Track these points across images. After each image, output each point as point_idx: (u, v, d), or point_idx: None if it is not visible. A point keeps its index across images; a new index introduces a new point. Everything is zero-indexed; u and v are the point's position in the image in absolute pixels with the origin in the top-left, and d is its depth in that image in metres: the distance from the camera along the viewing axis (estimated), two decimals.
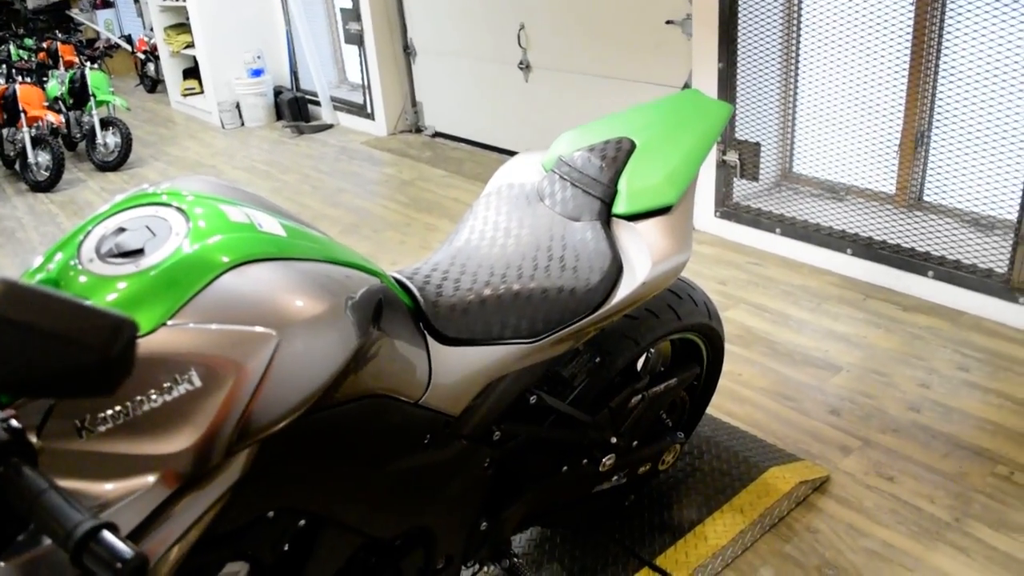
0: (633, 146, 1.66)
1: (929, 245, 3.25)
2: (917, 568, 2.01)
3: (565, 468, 1.74)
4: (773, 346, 3.04)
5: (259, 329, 1.01)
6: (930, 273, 3.21)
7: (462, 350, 1.40)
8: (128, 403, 0.96)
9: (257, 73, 7.27)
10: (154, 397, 0.96)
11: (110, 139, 6.33)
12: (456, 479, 1.47)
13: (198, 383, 0.98)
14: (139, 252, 1.05)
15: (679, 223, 1.61)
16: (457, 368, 1.39)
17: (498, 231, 1.60)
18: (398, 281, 1.44)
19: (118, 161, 6.31)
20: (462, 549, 1.57)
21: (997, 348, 2.90)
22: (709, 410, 2.64)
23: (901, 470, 2.34)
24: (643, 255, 1.55)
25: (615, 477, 1.91)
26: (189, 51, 7.90)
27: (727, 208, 3.96)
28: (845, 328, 3.11)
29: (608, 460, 1.79)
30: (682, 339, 2.02)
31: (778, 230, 3.75)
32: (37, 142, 5.94)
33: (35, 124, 5.99)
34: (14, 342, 0.74)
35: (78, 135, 6.71)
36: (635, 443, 1.90)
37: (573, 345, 1.57)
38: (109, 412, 0.95)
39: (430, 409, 1.36)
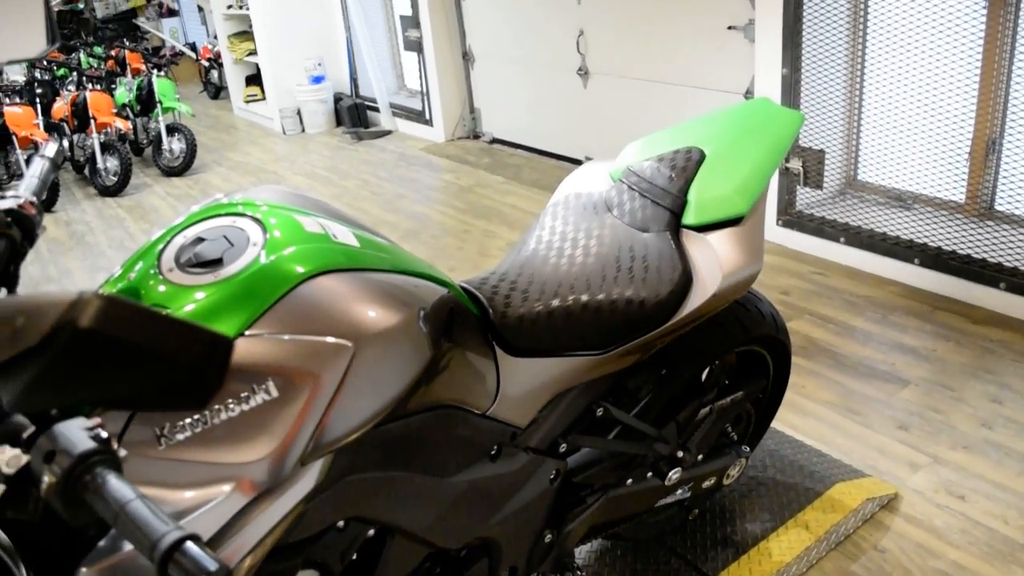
0: (703, 156, 1.64)
1: (1001, 255, 3.15)
2: None
3: (630, 481, 1.73)
4: (837, 358, 2.98)
5: (335, 340, 1.02)
6: (1002, 285, 3.12)
7: (530, 361, 1.40)
8: (206, 412, 0.98)
9: (318, 80, 7.39)
10: (232, 406, 0.98)
11: (175, 145, 6.49)
12: (522, 491, 1.47)
13: (275, 393, 0.99)
14: (218, 262, 1.07)
15: (750, 234, 1.59)
16: (525, 379, 1.39)
17: (566, 241, 1.59)
18: (466, 291, 1.45)
19: (183, 166, 6.46)
20: (526, 561, 1.57)
21: None
22: (773, 423, 2.60)
23: (973, 489, 2.28)
24: (713, 267, 1.53)
25: (679, 491, 1.89)
26: (252, 58, 8.06)
27: (790, 216, 3.90)
28: (912, 341, 3.04)
29: (674, 474, 1.77)
30: (748, 351, 1.99)
31: (842, 239, 3.68)
32: (106, 148, 6.11)
33: (104, 130, 6.17)
34: (112, 358, 0.76)
35: (145, 141, 6.90)
36: (701, 456, 1.88)
37: (641, 357, 1.56)
38: (188, 421, 0.98)
39: (497, 420, 1.36)
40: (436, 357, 1.15)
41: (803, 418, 2.66)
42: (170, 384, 0.80)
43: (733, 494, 2.27)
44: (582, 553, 2.11)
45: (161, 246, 1.12)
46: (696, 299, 1.52)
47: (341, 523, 1.19)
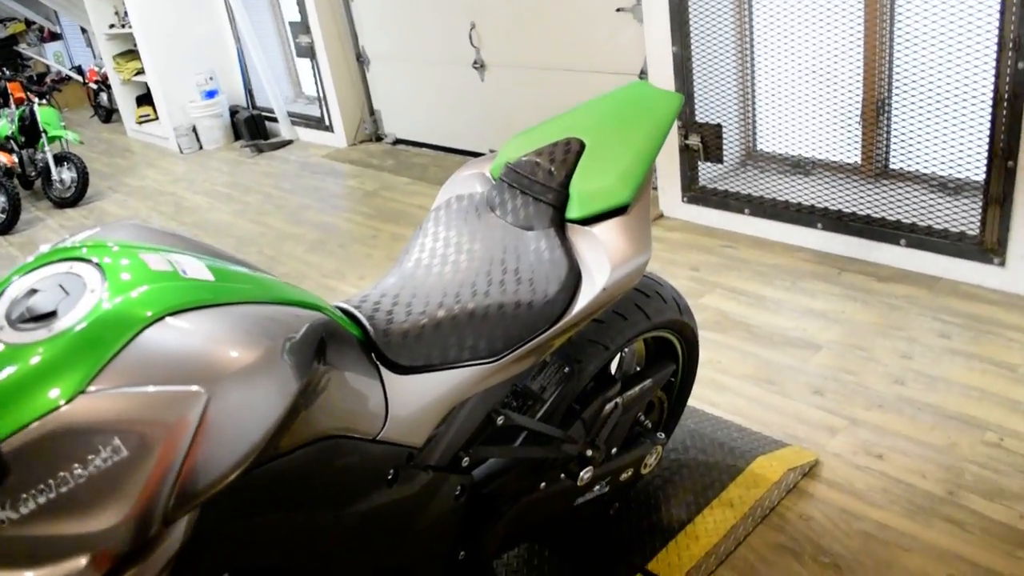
0: (583, 146, 1.58)
1: (899, 213, 3.21)
2: (914, 547, 1.96)
3: (543, 485, 1.68)
4: (751, 329, 2.99)
5: (185, 388, 0.93)
6: (902, 241, 3.17)
7: (419, 377, 1.33)
8: (50, 480, 0.88)
9: (211, 95, 7.15)
10: (78, 471, 0.89)
11: (66, 175, 6.20)
12: (426, 512, 1.40)
13: (124, 452, 0.90)
14: (51, 315, 0.97)
15: (636, 223, 1.54)
16: (415, 397, 1.32)
17: (449, 248, 1.52)
18: (345, 312, 1.37)
19: (76, 196, 6.18)
20: None
21: (976, 312, 2.86)
22: (691, 402, 2.59)
23: (890, 447, 2.30)
24: (601, 260, 1.48)
25: (597, 487, 1.85)
26: (140, 78, 7.75)
27: (694, 192, 3.91)
28: (822, 305, 3.07)
29: (586, 473, 1.72)
30: (655, 338, 1.96)
31: (747, 210, 3.70)
32: None
33: None
34: None
35: (33, 173, 6.57)
36: (614, 451, 1.84)
37: (537, 360, 1.50)
38: (32, 491, 0.88)
39: (390, 443, 1.29)
40: (306, 389, 1.07)
41: (721, 394, 2.65)
42: None
43: (656, 480, 2.24)
44: (506, 559, 2.05)
45: None
46: (587, 295, 1.47)
47: (226, 575, 1.11)
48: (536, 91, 4.89)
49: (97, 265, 1.03)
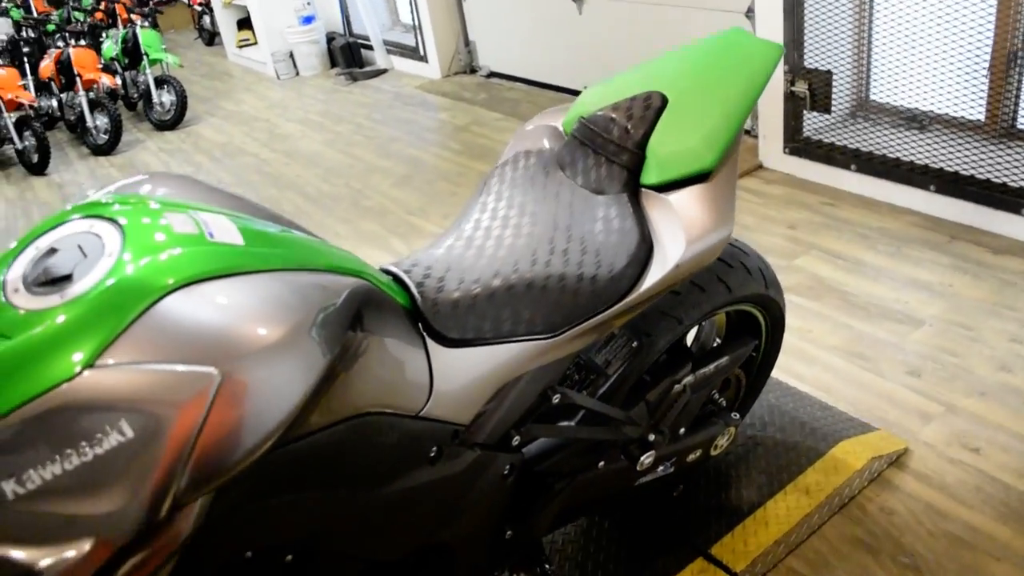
0: (665, 101, 1.42)
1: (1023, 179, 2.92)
2: (1005, 556, 1.80)
3: (602, 464, 1.58)
4: (847, 298, 2.79)
5: (194, 368, 0.87)
6: None
7: (469, 351, 1.24)
8: (56, 456, 0.84)
9: (308, 20, 7.12)
10: (85, 449, 0.84)
11: (165, 98, 6.30)
12: (471, 490, 1.33)
13: (129, 433, 0.85)
14: (67, 279, 0.91)
15: (719, 192, 1.39)
16: (463, 372, 1.23)
17: (511, 210, 1.41)
18: (394, 276, 1.28)
19: (175, 119, 6.29)
20: (486, 560, 1.44)
21: None
22: (775, 373, 2.44)
23: (989, 440, 2.11)
24: (676, 232, 1.34)
25: (661, 468, 1.75)
26: (241, 1, 7.78)
27: (797, 143, 3.67)
28: (928, 275, 2.84)
29: (647, 458, 1.62)
30: (737, 310, 1.82)
31: (853, 166, 3.44)
32: (95, 105, 5.94)
33: (91, 88, 5.99)
34: None
35: (135, 95, 6.71)
36: (682, 431, 1.72)
37: (599, 337, 1.39)
38: (38, 467, 0.84)
39: (434, 420, 1.21)
40: (335, 366, 0.99)
41: (808, 366, 2.49)
42: None
43: (728, 457, 2.12)
44: (556, 537, 1.98)
45: (12, 259, 0.97)
46: (657, 271, 1.34)
47: (248, 554, 1.06)
48: (635, 27, 4.65)
49: (117, 224, 0.97)
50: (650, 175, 1.40)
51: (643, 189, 1.41)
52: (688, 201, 1.36)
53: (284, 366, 0.92)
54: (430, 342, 1.22)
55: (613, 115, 1.42)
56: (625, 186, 1.39)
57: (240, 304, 0.93)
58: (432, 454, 1.24)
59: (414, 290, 1.24)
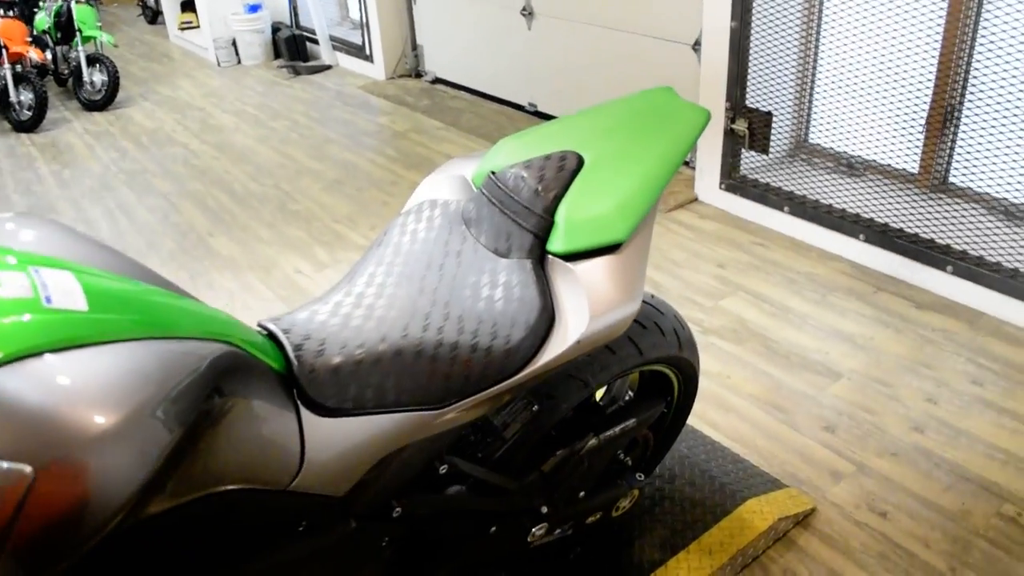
0: (580, 163, 1.33)
1: (951, 236, 2.93)
2: None
3: (493, 529, 1.50)
4: (769, 344, 2.77)
5: (5, 466, 0.76)
6: (949, 268, 2.90)
7: (347, 420, 1.14)
8: None
9: (254, 9, 6.91)
10: None
11: (96, 77, 6.05)
12: (347, 563, 1.23)
13: None
14: None
15: (629, 265, 1.30)
16: (340, 443, 1.13)
17: (408, 267, 1.31)
18: (271, 335, 1.18)
19: (105, 100, 6.03)
20: None
21: (1017, 359, 2.61)
22: (690, 420, 2.39)
23: (896, 504, 2.09)
24: (580, 305, 1.25)
25: (558, 531, 1.67)
26: None
27: (733, 180, 3.65)
28: (851, 327, 2.83)
29: (539, 530, 1.53)
30: (650, 369, 1.75)
31: (787, 208, 3.43)
32: (19, 80, 5.66)
33: (17, 61, 5.71)
34: None
35: (66, 71, 6.43)
36: (582, 494, 1.65)
37: (491, 409, 1.30)
38: None
39: (304, 493, 1.11)
40: (186, 441, 0.89)
41: (724, 414, 2.45)
42: None
43: (634, 509, 2.06)
44: None
45: None
46: (557, 345, 1.25)
47: None
48: (582, 47, 4.59)
49: None
50: (557, 242, 1.30)
51: (549, 256, 1.32)
52: (596, 273, 1.28)
53: (118, 452, 0.81)
54: (304, 411, 1.12)
55: (524, 174, 1.33)
56: (530, 252, 1.30)
57: (71, 385, 0.81)
58: (301, 528, 1.14)
59: (291, 353, 1.14)
